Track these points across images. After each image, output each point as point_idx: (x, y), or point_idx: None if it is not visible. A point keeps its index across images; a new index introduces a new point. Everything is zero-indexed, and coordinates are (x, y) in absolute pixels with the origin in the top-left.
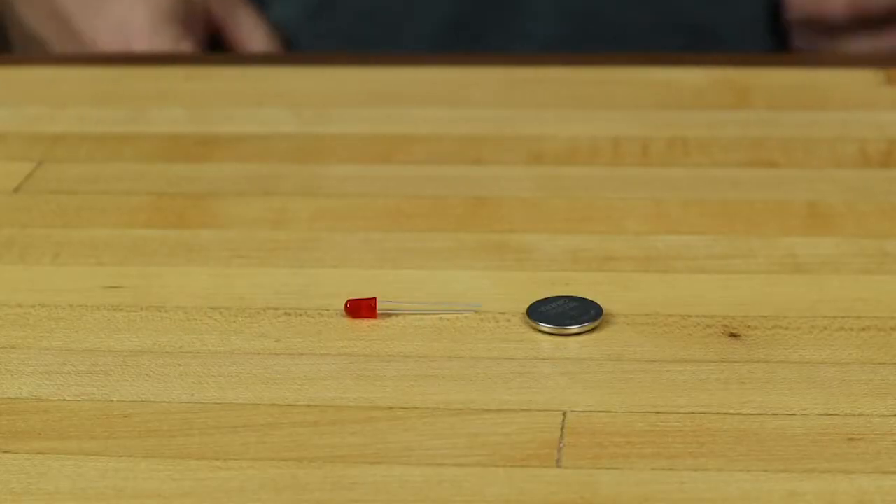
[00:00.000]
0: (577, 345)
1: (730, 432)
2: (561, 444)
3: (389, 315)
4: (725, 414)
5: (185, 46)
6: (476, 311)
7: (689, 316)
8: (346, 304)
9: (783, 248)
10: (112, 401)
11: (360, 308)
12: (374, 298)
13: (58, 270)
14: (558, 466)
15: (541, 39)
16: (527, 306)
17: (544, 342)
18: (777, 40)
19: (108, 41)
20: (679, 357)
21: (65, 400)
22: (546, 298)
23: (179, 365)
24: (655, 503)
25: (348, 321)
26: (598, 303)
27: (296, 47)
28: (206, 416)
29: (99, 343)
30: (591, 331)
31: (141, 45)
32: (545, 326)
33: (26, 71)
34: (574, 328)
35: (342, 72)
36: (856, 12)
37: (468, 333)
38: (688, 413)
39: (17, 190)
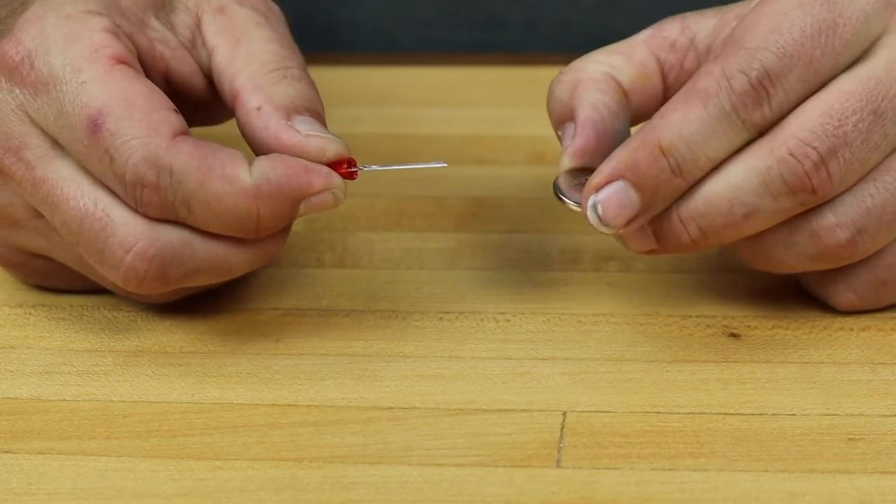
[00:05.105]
0: (577, 345)
1: (730, 432)
2: (561, 444)
3: (389, 315)
4: (725, 414)
5: None
6: (445, 166)
7: (689, 316)
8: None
9: None
10: (112, 401)
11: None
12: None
13: None
14: (558, 466)
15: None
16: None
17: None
18: None
19: None
20: (679, 357)
21: (65, 400)
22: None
23: (179, 365)
24: (655, 503)
25: (348, 321)
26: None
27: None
28: (206, 416)
29: (99, 343)
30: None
31: None
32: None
33: None
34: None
35: (342, 72)
36: None
37: (468, 333)
38: (688, 413)
39: None
